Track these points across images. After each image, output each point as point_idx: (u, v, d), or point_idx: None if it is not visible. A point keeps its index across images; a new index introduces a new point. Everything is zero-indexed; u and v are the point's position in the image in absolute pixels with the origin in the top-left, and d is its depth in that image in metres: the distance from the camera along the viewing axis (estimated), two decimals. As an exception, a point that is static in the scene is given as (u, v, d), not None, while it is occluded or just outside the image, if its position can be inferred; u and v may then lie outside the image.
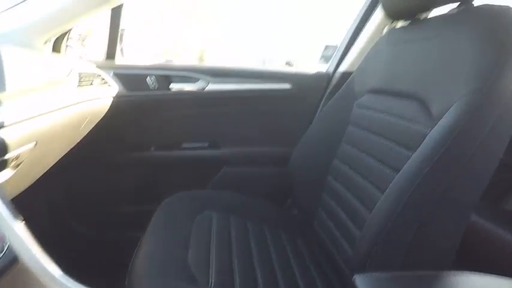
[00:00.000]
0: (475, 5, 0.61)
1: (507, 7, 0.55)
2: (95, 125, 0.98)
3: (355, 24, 1.16)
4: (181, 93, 1.13)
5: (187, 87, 1.13)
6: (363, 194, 0.70)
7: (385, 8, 0.77)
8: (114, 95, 1.01)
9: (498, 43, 0.51)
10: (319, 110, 1.18)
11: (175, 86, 1.12)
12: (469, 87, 0.51)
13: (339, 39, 1.24)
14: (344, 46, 1.19)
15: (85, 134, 0.96)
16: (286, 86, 1.16)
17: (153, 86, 1.09)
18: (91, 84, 0.88)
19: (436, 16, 0.70)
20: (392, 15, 0.78)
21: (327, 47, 1.46)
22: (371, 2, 1.11)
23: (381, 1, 0.78)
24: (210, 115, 1.18)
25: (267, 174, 1.24)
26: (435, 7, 0.69)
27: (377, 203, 0.58)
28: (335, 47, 1.28)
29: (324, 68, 1.27)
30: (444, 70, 0.58)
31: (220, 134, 1.21)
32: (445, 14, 0.67)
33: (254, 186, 1.21)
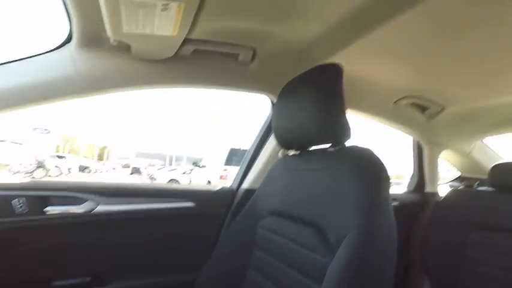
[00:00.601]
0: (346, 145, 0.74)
1: (368, 149, 0.69)
2: None
3: (255, 144, 1.24)
4: (59, 218, 0.92)
5: (71, 209, 0.94)
6: None
7: (276, 138, 0.86)
8: None
9: (370, 181, 0.62)
10: (224, 228, 1.13)
11: (52, 209, 0.91)
12: (357, 220, 0.58)
13: (244, 143, 1.31)
14: (246, 163, 1.24)
15: None
16: (188, 204, 1.08)
17: (20, 210, 0.87)
18: None
19: (320, 149, 0.81)
20: (283, 145, 0.87)
21: (231, 150, 1.54)
22: (267, 127, 1.23)
23: (273, 131, 0.87)
24: (96, 242, 0.97)
25: None
26: (313, 146, 0.81)
27: None
28: (239, 150, 1.34)
29: (230, 168, 1.28)
30: (333, 201, 0.65)
31: (109, 265, 1.00)
32: (326, 149, 0.78)
33: None
